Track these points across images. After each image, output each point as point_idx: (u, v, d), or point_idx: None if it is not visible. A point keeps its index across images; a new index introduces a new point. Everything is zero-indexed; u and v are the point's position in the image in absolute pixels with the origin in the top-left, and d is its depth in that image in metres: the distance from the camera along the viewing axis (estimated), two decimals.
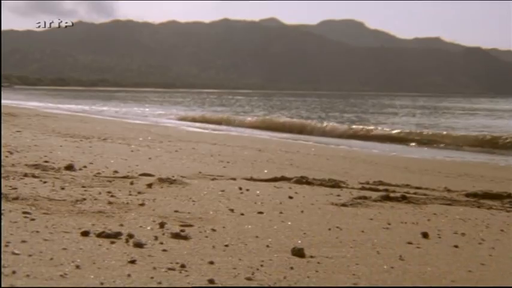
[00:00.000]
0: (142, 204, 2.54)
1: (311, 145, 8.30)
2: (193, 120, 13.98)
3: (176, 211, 2.45)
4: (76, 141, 5.32)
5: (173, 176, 3.42)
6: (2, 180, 2.83)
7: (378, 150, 8.16)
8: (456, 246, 2.20)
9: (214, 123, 12.90)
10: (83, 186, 2.86)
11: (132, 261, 1.63)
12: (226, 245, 1.94)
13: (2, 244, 1.67)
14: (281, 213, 2.63)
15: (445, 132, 10.60)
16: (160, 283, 1.48)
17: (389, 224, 2.53)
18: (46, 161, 3.75)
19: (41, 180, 2.94)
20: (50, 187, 2.77)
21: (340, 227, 2.40)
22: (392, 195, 3.24)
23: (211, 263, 1.71)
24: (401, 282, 1.70)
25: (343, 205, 2.94)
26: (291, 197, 3.07)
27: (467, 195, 3.53)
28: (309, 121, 12.95)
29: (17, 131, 5.99)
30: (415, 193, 3.49)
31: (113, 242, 1.83)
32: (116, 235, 1.90)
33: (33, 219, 2.07)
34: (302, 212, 2.70)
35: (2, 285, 1.33)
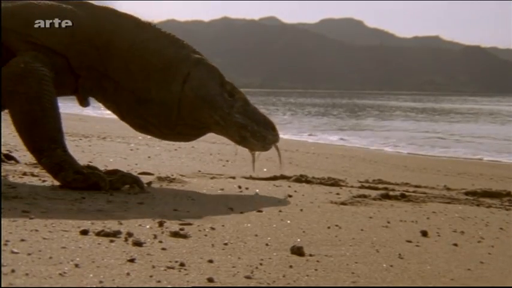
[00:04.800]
0: (141, 203, 2.53)
1: (310, 143, 8.31)
2: None
3: (175, 210, 2.45)
4: (75, 140, 5.32)
5: (172, 175, 3.42)
6: (2, 179, 2.82)
7: (377, 149, 8.16)
8: (455, 245, 2.20)
9: None
10: None
11: (131, 260, 1.63)
12: (226, 244, 1.94)
13: (1, 243, 1.66)
14: (280, 211, 2.63)
15: None
16: (159, 282, 1.48)
17: (388, 223, 2.53)
18: None
19: (40, 179, 2.94)
20: (49, 186, 2.76)
21: (340, 225, 2.40)
22: (391, 193, 3.24)
23: (211, 261, 1.70)
24: (400, 281, 1.70)
25: (343, 203, 2.94)
26: (290, 196, 3.07)
27: (467, 193, 3.54)
28: None
29: None
30: (414, 191, 3.49)
31: (112, 241, 1.82)
32: (115, 234, 1.90)
33: (32, 218, 2.06)
34: (301, 210, 2.70)
35: (1, 284, 1.33)
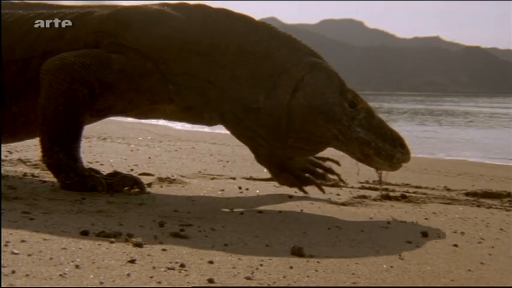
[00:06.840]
0: (141, 204, 2.53)
1: None
2: None
3: (176, 210, 2.45)
4: None
5: (173, 176, 3.42)
6: (2, 179, 2.82)
7: None
8: (456, 246, 2.20)
9: None
10: None
11: (132, 261, 1.63)
12: (226, 245, 1.94)
13: (2, 244, 1.67)
14: (280, 212, 2.64)
15: None
16: (159, 282, 1.48)
17: (388, 223, 2.53)
18: None
19: (40, 180, 2.94)
20: (50, 187, 2.76)
21: (340, 226, 2.40)
22: (391, 194, 3.24)
23: (211, 262, 1.71)
24: (400, 281, 1.70)
25: (343, 204, 2.95)
26: (290, 196, 3.07)
27: (467, 194, 3.53)
28: None
29: None
30: (414, 192, 3.49)
31: (112, 242, 1.82)
32: (116, 235, 1.90)
33: (32, 219, 2.07)
34: (301, 211, 2.70)
35: (2, 285, 1.33)
